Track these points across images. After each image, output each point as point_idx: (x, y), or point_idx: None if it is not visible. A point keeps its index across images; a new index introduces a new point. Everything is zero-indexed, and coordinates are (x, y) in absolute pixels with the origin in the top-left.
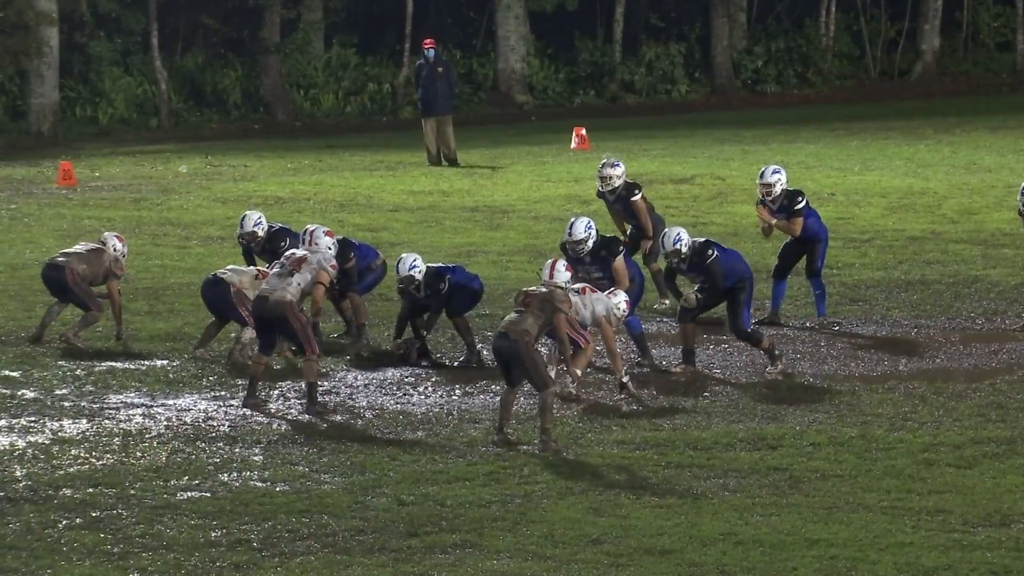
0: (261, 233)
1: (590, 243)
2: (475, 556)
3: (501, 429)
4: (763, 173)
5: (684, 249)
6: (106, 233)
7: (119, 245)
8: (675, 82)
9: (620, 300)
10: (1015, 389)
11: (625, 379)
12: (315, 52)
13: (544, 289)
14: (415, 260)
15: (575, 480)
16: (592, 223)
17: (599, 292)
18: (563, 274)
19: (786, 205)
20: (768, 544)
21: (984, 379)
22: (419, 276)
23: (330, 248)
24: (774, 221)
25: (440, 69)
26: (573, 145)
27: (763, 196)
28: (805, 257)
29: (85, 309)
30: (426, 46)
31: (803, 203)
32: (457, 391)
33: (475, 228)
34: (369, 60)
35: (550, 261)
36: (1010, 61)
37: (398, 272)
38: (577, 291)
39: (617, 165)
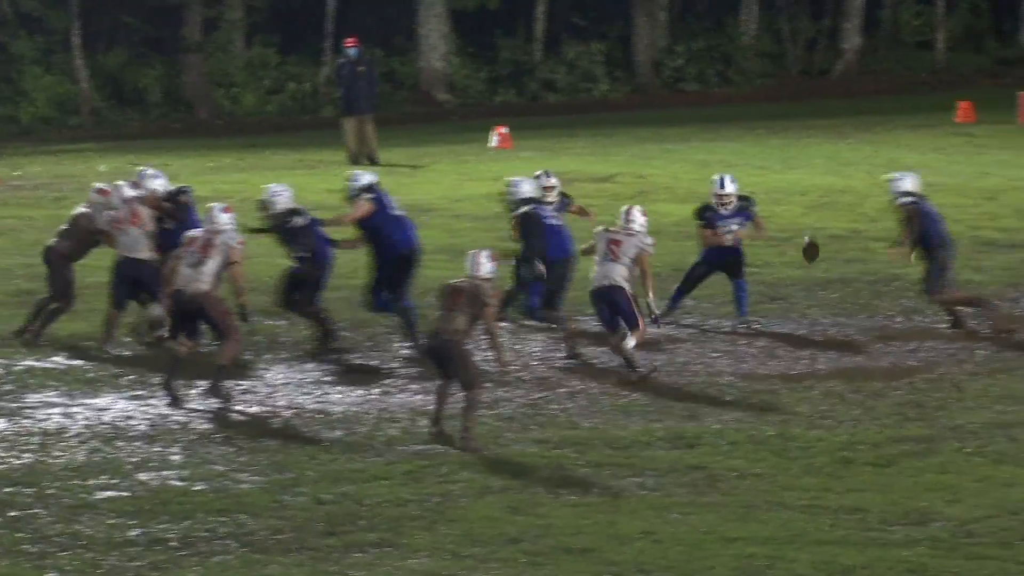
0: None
1: (736, 196)
2: (393, 555)
3: (437, 421)
4: (722, 182)
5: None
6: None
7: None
8: (596, 81)
9: (648, 239)
10: (934, 388)
11: (652, 302)
12: (236, 51)
13: (470, 283)
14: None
15: (494, 479)
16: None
17: (626, 240)
18: (487, 266)
19: (744, 208)
20: (686, 542)
21: (903, 378)
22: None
23: (230, 224)
24: (727, 240)
25: (362, 68)
26: (494, 144)
27: (717, 205)
28: (729, 263)
29: (56, 297)
30: (348, 45)
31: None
32: (375, 390)
33: None
34: (290, 59)
35: (472, 254)
36: (930, 60)
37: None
38: (609, 253)
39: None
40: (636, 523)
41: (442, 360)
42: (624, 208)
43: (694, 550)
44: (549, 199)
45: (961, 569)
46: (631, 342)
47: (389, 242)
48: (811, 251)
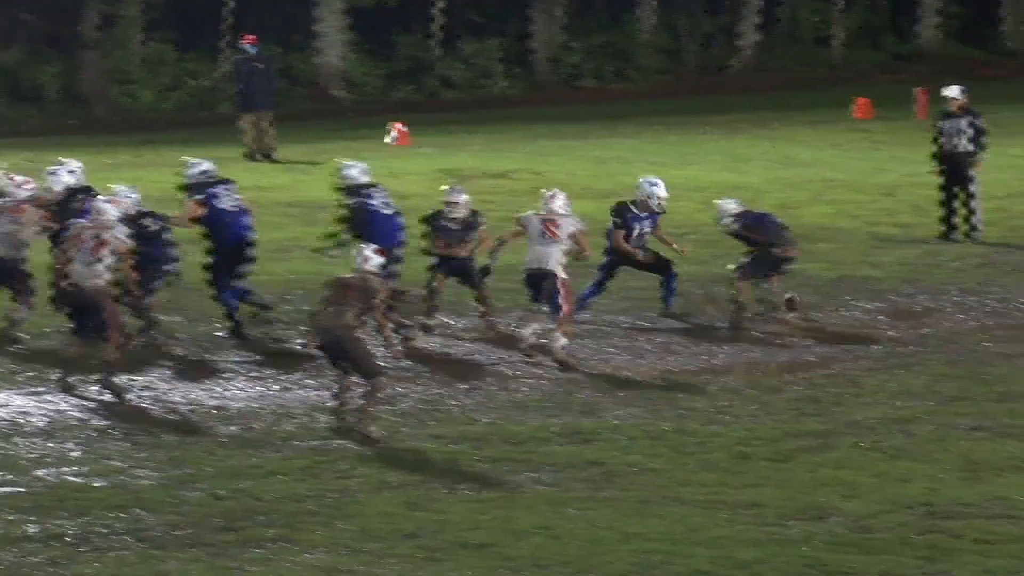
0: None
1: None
2: (290, 551)
3: (339, 416)
4: (660, 184)
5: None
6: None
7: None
8: (494, 77)
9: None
10: (831, 383)
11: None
12: (134, 48)
13: (359, 278)
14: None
15: (391, 474)
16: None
17: (562, 220)
18: (373, 260)
19: (661, 210)
20: (583, 538)
21: (800, 373)
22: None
23: (114, 216)
24: (638, 255)
25: (259, 65)
26: (392, 140)
27: (658, 208)
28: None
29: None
30: (246, 42)
31: None
32: (272, 386)
33: (292, 223)
34: (188, 56)
35: (359, 249)
36: (827, 56)
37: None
38: (544, 232)
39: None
40: (533, 518)
41: (336, 354)
42: (547, 192)
43: (592, 545)
44: (453, 215)
45: (858, 564)
46: (559, 339)
47: (220, 236)
48: (792, 305)
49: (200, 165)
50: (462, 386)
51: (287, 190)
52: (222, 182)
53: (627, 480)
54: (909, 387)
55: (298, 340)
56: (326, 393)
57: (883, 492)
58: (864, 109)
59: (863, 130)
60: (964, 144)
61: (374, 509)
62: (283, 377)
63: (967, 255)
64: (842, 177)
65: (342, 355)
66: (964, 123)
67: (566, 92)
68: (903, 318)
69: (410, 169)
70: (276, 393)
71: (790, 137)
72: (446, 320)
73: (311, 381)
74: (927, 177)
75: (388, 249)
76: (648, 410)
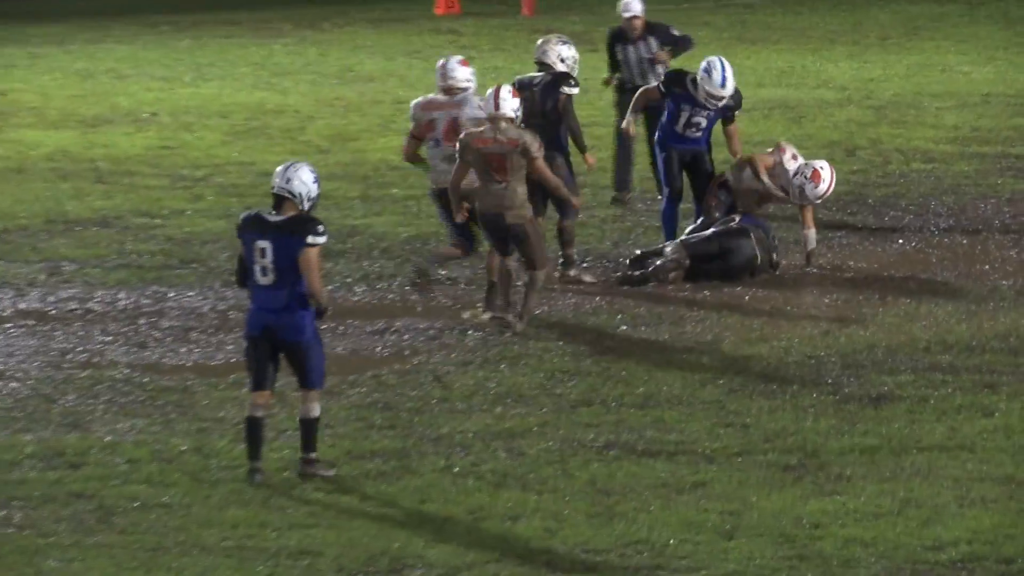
0: None
1: None
2: None
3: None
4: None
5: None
6: None
7: None
8: None
9: None
10: (409, 383)
11: None
12: None
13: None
14: None
15: None
16: None
17: None
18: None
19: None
20: None
21: (365, 370)
22: None
23: None
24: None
25: None
26: None
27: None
28: None
29: None
30: None
31: None
32: None
33: None
34: None
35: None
36: None
37: None
38: None
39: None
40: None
41: (504, 237)
42: None
43: None
44: None
45: None
46: None
47: None
48: None
49: None
50: None
51: None
52: None
53: (128, 520)
54: (516, 387)
55: None
56: None
57: (481, 533)
58: (447, 1)
59: (449, 31)
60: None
61: None
62: None
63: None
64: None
65: (514, 241)
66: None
67: None
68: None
69: None
70: None
71: (348, 41)
72: None
73: None
74: None
75: None
76: (157, 422)
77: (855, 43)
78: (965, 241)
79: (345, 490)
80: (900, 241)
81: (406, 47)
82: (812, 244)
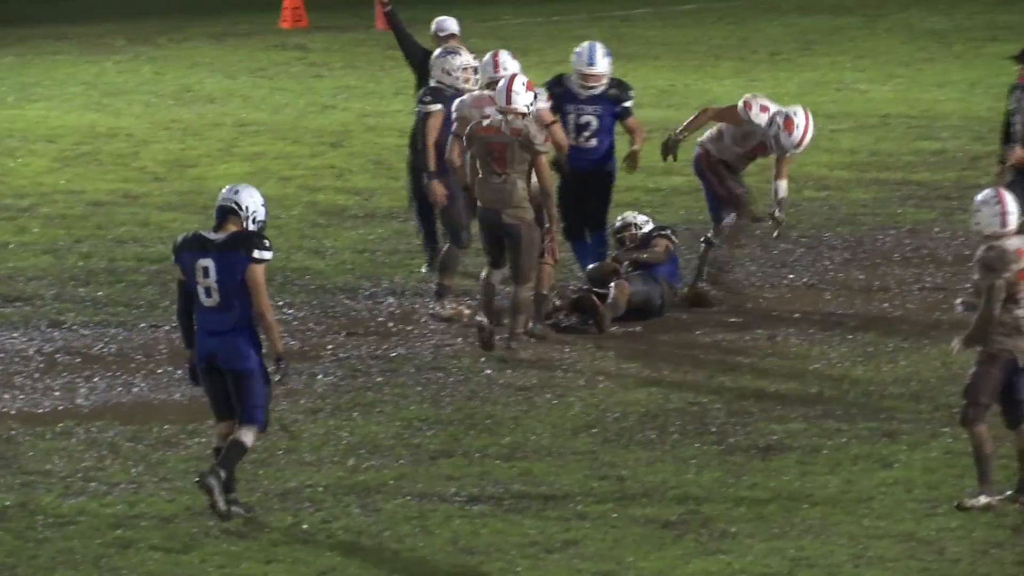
0: None
1: None
2: None
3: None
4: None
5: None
6: None
7: None
8: None
9: None
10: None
11: None
12: None
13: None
14: None
15: None
16: None
17: None
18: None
19: None
20: None
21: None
22: None
23: None
24: None
25: None
26: None
27: None
28: None
29: None
30: None
31: None
32: None
33: None
34: None
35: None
36: None
37: None
38: None
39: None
40: None
41: (498, 239)
42: None
43: None
44: None
45: None
46: None
47: None
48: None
49: None
50: None
51: None
52: None
53: None
54: (371, 438)
55: None
56: None
57: None
58: (294, 14)
59: (296, 47)
60: None
61: None
62: None
63: None
64: (266, 118)
65: (507, 244)
66: None
67: None
68: (363, 331)
69: None
70: None
71: (187, 58)
72: None
73: None
74: (393, 118)
75: None
76: None
77: (742, 59)
78: (862, 276)
79: (184, 548)
80: (791, 276)
81: (250, 64)
82: (783, 193)
